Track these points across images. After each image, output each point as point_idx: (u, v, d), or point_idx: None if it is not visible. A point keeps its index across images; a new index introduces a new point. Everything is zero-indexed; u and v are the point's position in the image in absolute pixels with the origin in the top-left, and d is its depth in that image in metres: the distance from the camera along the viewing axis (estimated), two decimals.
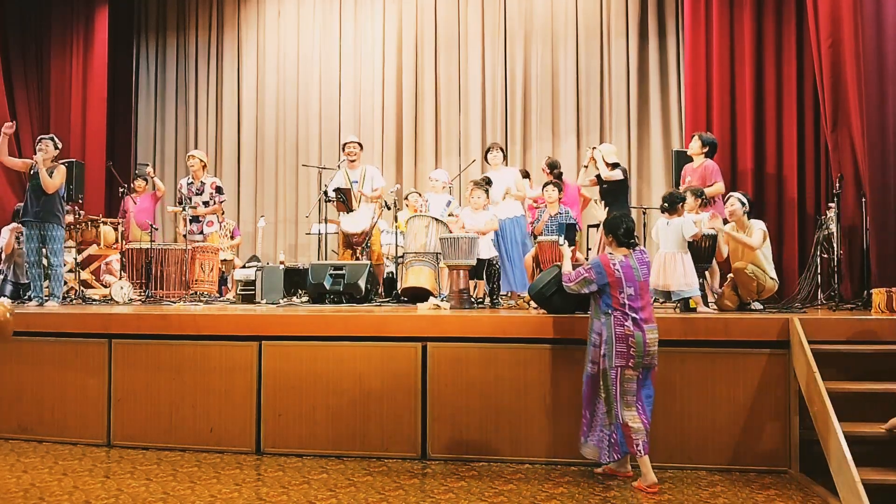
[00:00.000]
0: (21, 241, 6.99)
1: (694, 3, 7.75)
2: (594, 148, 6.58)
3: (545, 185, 6.78)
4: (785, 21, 7.36)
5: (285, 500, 3.88)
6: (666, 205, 5.35)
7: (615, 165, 6.31)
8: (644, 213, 7.74)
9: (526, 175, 7.62)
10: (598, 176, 6.51)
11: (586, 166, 6.70)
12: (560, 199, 6.72)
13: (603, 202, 6.57)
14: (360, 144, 7.45)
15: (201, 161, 7.78)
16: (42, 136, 6.62)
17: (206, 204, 7.63)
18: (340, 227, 7.21)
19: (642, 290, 4.14)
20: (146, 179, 8.62)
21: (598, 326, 4.17)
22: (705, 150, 6.47)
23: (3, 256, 7.66)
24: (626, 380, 4.04)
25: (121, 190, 8.24)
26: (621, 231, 4.24)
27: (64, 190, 6.68)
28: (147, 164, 8.75)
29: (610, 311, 4.10)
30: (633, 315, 4.06)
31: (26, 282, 7.11)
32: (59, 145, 6.65)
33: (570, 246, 4.72)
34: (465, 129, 10.00)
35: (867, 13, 5.90)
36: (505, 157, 7.12)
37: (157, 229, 7.57)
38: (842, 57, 6.29)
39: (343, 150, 7.50)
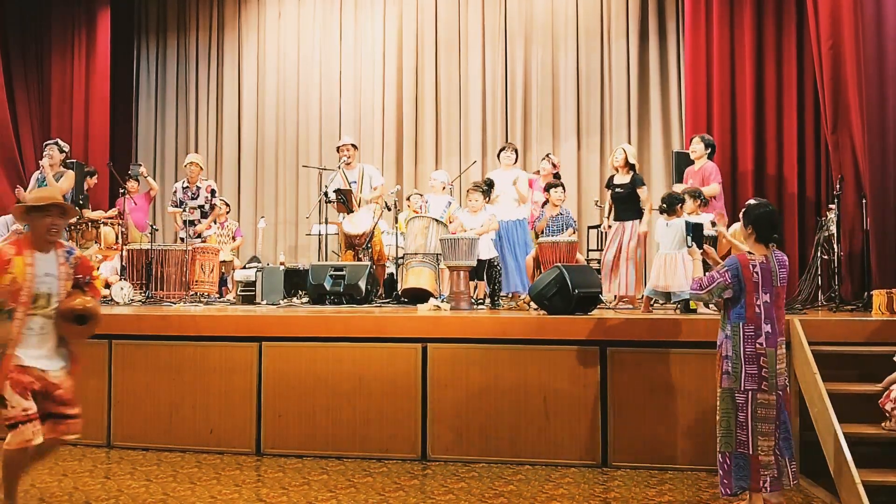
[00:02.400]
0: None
1: (694, 4, 7.75)
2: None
3: (550, 186, 6.74)
4: (785, 22, 7.35)
5: (285, 500, 3.88)
6: (664, 206, 5.34)
7: (633, 167, 6.24)
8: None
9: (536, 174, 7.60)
10: (609, 185, 6.39)
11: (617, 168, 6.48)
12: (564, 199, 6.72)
13: (616, 209, 6.44)
14: (353, 146, 7.45)
15: (200, 167, 7.80)
16: (47, 142, 6.65)
17: (201, 207, 7.63)
18: (342, 229, 7.21)
19: (779, 297, 3.54)
20: (138, 180, 8.64)
21: (723, 339, 3.57)
22: (707, 151, 6.47)
23: None
24: (761, 405, 3.43)
25: (121, 190, 8.23)
26: (767, 222, 3.55)
27: (71, 194, 6.72)
28: (140, 165, 8.76)
29: (741, 324, 3.48)
30: (767, 328, 3.45)
31: None
32: (66, 149, 6.69)
33: (698, 248, 3.89)
34: (465, 130, 10.00)
35: (867, 14, 5.90)
36: (517, 159, 7.05)
37: (157, 230, 7.57)
38: (842, 58, 6.28)
39: (338, 152, 7.51)
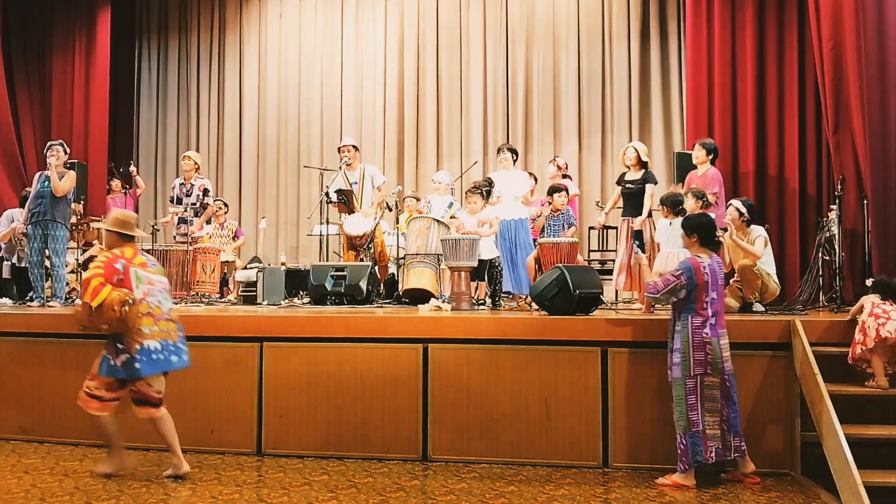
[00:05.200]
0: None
1: (695, 5, 7.74)
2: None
3: (553, 190, 6.72)
4: (786, 23, 7.35)
5: (286, 501, 3.88)
6: (666, 205, 5.35)
7: (645, 165, 6.25)
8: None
9: (533, 178, 7.58)
10: (620, 181, 6.41)
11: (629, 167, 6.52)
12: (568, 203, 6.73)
13: (625, 205, 6.42)
14: (354, 147, 7.45)
15: (195, 163, 7.77)
16: (52, 143, 6.67)
17: (193, 205, 7.63)
18: (343, 229, 7.21)
19: (721, 294, 4.07)
20: (129, 179, 8.68)
21: (672, 333, 4.09)
22: (709, 157, 6.46)
23: (3, 245, 7.76)
24: (707, 387, 3.97)
25: (124, 190, 8.27)
26: (706, 230, 4.09)
27: (73, 193, 6.75)
28: (130, 164, 8.81)
29: (689, 317, 3.99)
30: (712, 321, 3.98)
31: (25, 265, 7.20)
32: (68, 150, 6.73)
33: (643, 253, 4.56)
34: (466, 131, 10.00)
35: (869, 15, 5.90)
36: (516, 160, 7.06)
37: (158, 230, 7.56)
38: (843, 59, 6.28)
39: (339, 153, 7.51)
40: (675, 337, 4.03)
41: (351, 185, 7.21)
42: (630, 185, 6.17)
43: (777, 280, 5.48)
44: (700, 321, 3.96)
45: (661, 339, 4.50)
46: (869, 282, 4.48)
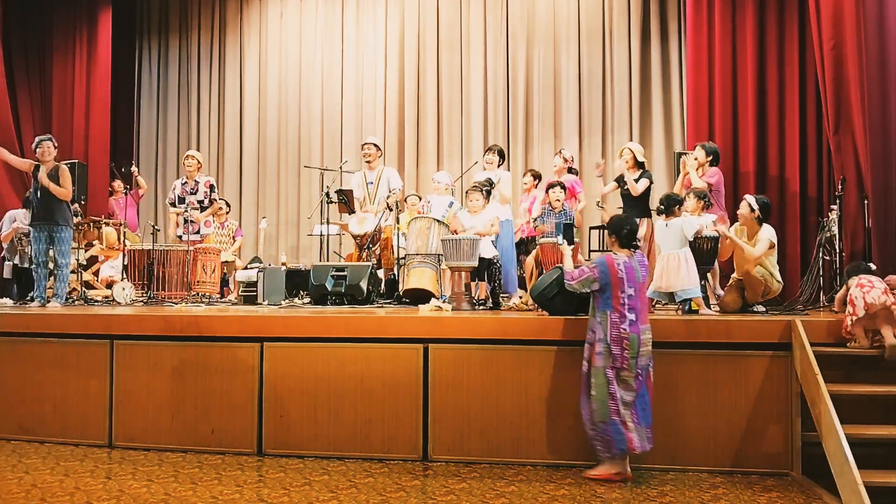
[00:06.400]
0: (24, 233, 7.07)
1: (696, 6, 7.75)
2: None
3: (550, 186, 6.74)
4: (787, 23, 7.35)
5: (287, 501, 3.88)
6: (662, 207, 5.34)
7: (642, 165, 6.27)
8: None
9: (538, 177, 7.58)
10: (619, 180, 6.44)
11: (617, 182, 6.59)
12: (566, 199, 6.73)
13: (624, 206, 6.46)
14: (376, 146, 7.45)
15: (198, 162, 7.80)
16: (41, 138, 6.59)
17: (199, 202, 7.63)
18: (348, 229, 7.21)
19: (641, 291, 4.21)
20: (130, 180, 8.69)
21: (594, 325, 4.23)
22: (709, 158, 6.46)
23: (5, 245, 7.76)
24: (623, 380, 4.12)
25: (123, 190, 8.27)
26: (625, 232, 4.30)
27: (74, 192, 6.74)
28: (132, 164, 8.83)
29: (608, 312, 4.15)
30: (631, 317, 4.12)
31: (27, 266, 7.19)
32: (56, 145, 6.68)
33: (569, 245, 4.79)
34: (466, 131, 10.01)
35: (869, 15, 5.91)
36: (503, 160, 7.10)
37: (158, 230, 7.57)
38: (844, 59, 6.28)
39: (362, 149, 7.52)
40: (597, 328, 4.19)
41: (367, 185, 7.22)
42: (628, 187, 6.19)
43: (780, 278, 5.42)
44: (617, 316, 4.12)
45: (661, 339, 4.51)
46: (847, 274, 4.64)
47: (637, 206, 6.30)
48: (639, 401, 4.14)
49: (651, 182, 6.29)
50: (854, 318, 4.30)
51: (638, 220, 6.07)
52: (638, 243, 4.36)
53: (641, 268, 4.26)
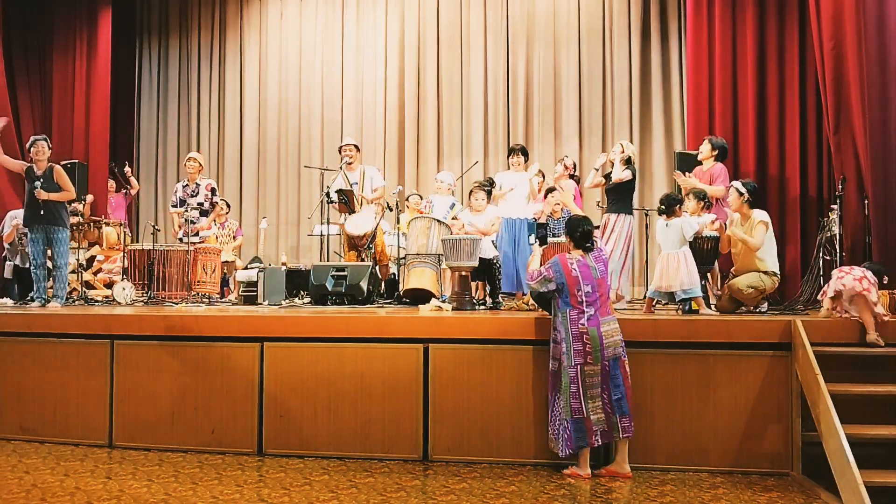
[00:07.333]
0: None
1: (696, 5, 7.74)
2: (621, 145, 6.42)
3: (549, 190, 6.73)
4: (787, 23, 7.35)
5: (287, 501, 3.88)
6: (662, 206, 5.34)
7: (628, 161, 6.25)
8: (647, 215, 7.73)
9: (541, 175, 7.58)
10: (606, 176, 6.45)
11: (597, 169, 6.60)
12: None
13: (607, 202, 6.49)
14: (355, 146, 7.43)
15: (199, 164, 7.80)
16: (36, 138, 6.59)
17: (200, 206, 7.63)
18: (344, 229, 7.21)
19: (599, 286, 4.30)
20: (125, 180, 8.69)
21: (557, 324, 4.33)
22: (715, 153, 6.46)
23: (7, 245, 7.77)
24: (588, 375, 4.18)
25: (123, 191, 8.27)
26: (578, 233, 4.43)
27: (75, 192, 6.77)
28: (125, 164, 8.83)
29: (567, 310, 4.25)
30: (589, 312, 4.21)
31: (27, 266, 7.20)
32: (51, 145, 6.69)
33: (540, 245, 4.90)
34: (467, 131, 10.00)
35: (869, 15, 5.90)
36: (526, 158, 6.99)
37: (159, 230, 7.58)
38: (844, 59, 6.28)
39: (340, 152, 7.51)
40: (559, 327, 4.28)
41: (351, 185, 7.20)
42: (613, 178, 6.19)
43: (777, 269, 5.30)
44: (576, 313, 4.22)
45: (660, 338, 4.52)
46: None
47: (617, 201, 6.27)
48: (613, 391, 4.19)
49: (634, 176, 6.26)
50: (825, 297, 4.67)
51: (616, 215, 6.15)
52: (593, 243, 4.45)
53: (599, 264, 4.37)
